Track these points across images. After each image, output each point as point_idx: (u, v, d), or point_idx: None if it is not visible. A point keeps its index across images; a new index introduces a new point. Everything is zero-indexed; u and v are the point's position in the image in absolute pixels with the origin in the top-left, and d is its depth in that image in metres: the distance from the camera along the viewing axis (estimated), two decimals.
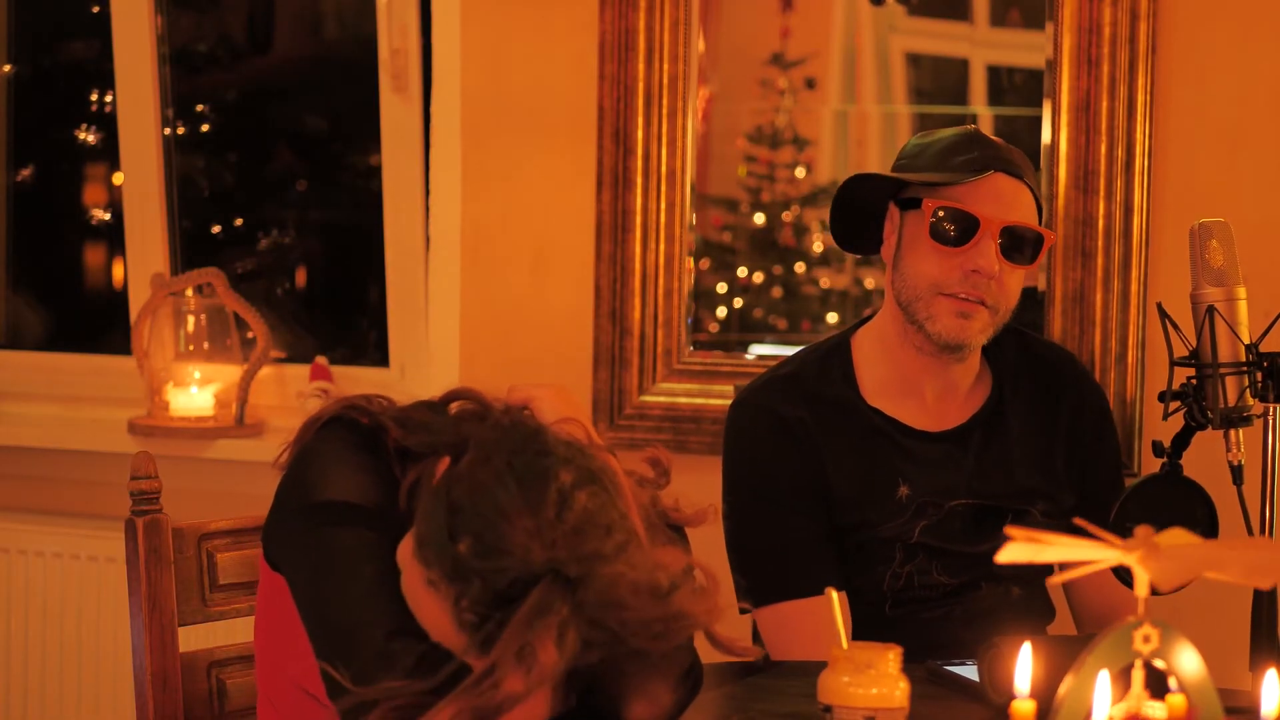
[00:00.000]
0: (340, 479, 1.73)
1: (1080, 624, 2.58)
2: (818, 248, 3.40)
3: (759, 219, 3.40)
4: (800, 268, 3.40)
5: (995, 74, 3.33)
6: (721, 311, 3.37)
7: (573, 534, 1.57)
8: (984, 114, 3.29)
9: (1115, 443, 2.59)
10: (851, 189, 2.44)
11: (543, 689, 1.55)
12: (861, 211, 2.46)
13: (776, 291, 3.40)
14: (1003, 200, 2.35)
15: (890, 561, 2.40)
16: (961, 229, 2.32)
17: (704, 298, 3.33)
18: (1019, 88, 3.27)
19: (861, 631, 2.32)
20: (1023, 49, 3.24)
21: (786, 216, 3.38)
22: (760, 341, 3.41)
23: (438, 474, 1.65)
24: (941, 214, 2.33)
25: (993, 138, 2.42)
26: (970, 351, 2.40)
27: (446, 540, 1.58)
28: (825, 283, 3.43)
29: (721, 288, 3.37)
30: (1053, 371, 2.53)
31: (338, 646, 1.65)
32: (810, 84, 3.38)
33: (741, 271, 3.38)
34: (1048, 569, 2.36)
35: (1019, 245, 2.34)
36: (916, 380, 2.43)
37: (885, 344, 2.44)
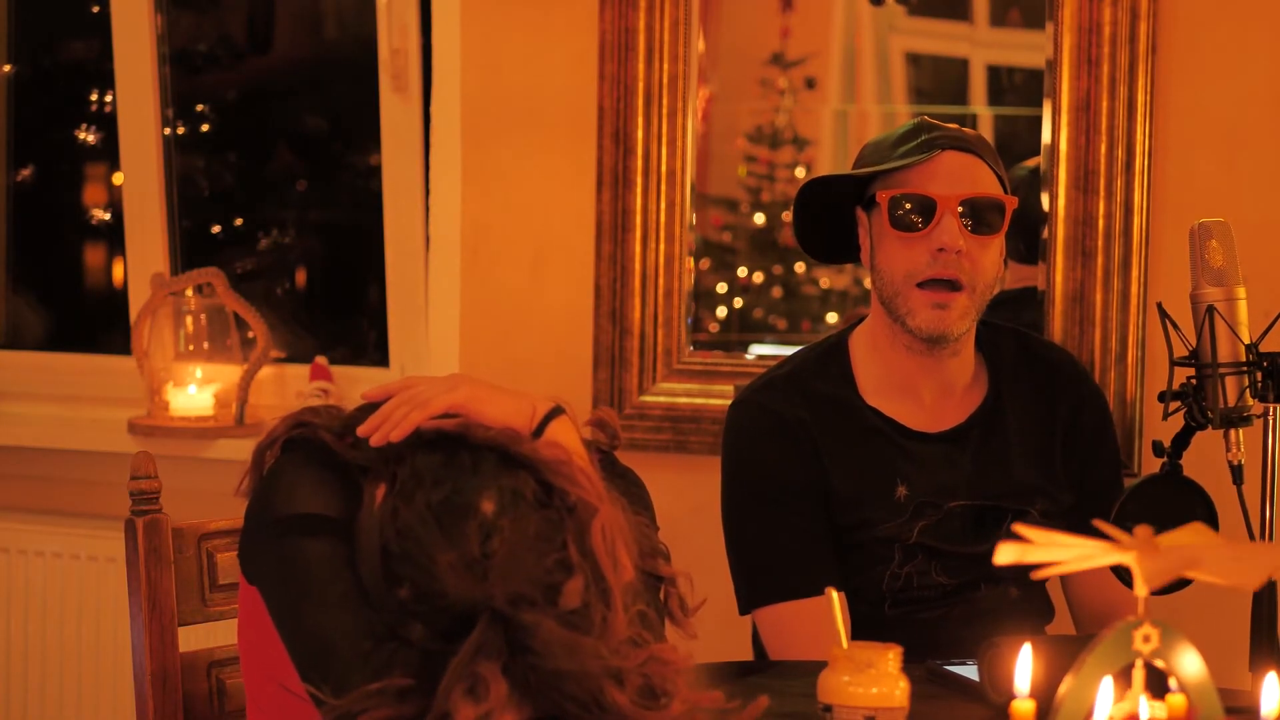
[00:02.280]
0: (304, 494, 1.74)
1: (1079, 623, 2.59)
2: None
3: (759, 219, 3.40)
4: (800, 268, 3.40)
5: (995, 74, 3.32)
6: (721, 311, 3.37)
7: (502, 565, 1.57)
8: (984, 114, 3.29)
9: (1114, 444, 2.59)
10: (816, 200, 2.44)
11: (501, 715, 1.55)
12: (838, 221, 2.47)
13: (776, 291, 3.40)
14: (957, 176, 2.33)
15: (889, 562, 2.40)
16: (920, 211, 2.32)
17: (704, 298, 3.33)
18: (1019, 88, 3.27)
19: (860, 631, 2.30)
20: (1023, 49, 3.23)
21: (786, 216, 3.38)
22: (760, 341, 3.41)
23: (378, 499, 1.65)
24: (897, 202, 2.33)
25: (943, 123, 2.41)
26: (955, 340, 2.39)
27: (386, 587, 1.60)
28: (825, 283, 3.43)
29: (721, 288, 3.37)
30: (1052, 370, 2.53)
31: (315, 659, 1.66)
32: (810, 84, 3.38)
33: (741, 271, 3.38)
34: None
35: (982, 216, 2.33)
36: (911, 380, 2.43)
37: (877, 346, 2.44)
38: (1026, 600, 2.49)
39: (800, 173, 3.37)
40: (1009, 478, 2.44)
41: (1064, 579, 2.56)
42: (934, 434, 2.44)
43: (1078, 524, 2.41)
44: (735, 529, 2.45)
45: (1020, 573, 2.30)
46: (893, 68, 3.36)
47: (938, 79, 3.42)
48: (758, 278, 3.39)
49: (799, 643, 2.37)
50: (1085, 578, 2.49)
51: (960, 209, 2.32)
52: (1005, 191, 2.39)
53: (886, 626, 2.38)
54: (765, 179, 3.39)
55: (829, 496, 2.40)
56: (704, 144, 3.34)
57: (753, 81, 3.40)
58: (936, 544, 2.40)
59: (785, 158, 3.37)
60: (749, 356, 3.32)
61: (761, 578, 2.41)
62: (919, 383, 2.43)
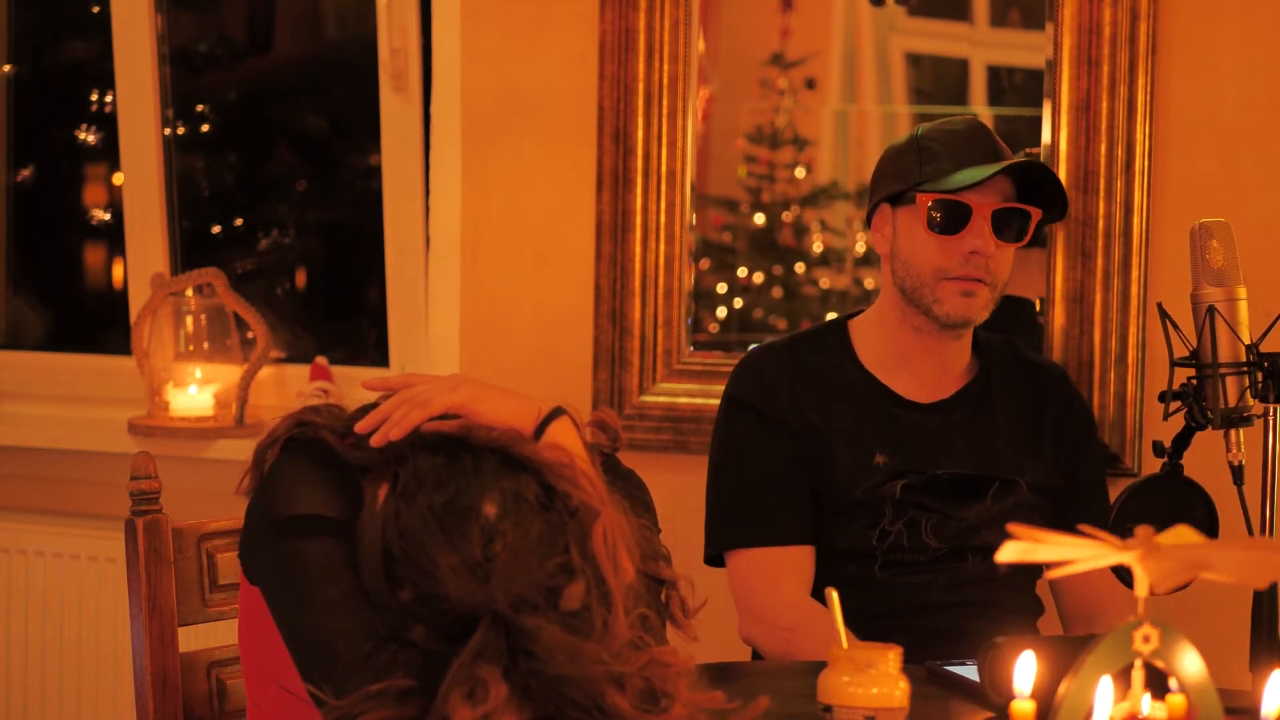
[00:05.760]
0: (305, 494, 1.74)
1: (1065, 619, 2.64)
2: (818, 248, 3.39)
3: (759, 219, 3.40)
4: (800, 268, 3.40)
5: (995, 74, 3.32)
6: (721, 311, 3.37)
7: (504, 568, 1.57)
8: (984, 114, 3.29)
9: (1101, 448, 2.74)
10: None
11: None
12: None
13: (776, 292, 3.40)
14: (992, 185, 2.53)
15: (880, 519, 2.52)
16: (957, 217, 2.51)
17: (704, 298, 3.33)
18: (1019, 88, 3.27)
19: (850, 593, 2.37)
20: (1023, 49, 3.23)
21: (786, 217, 3.38)
22: (760, 341, 3.41)
23: (379, 500, 1.65)
24: (937, 205, 2.52)
25: (999, 138, 2.59)
26: (971, 328, 2.59)
27: (387, 589, 1.60)
28: (825, 283, 3.43)
29: (721, 288, 3.37)
30: (1041, 372, 2.69)
31: (316, 660, 1.66)
32: (810, 84, 3.38)
33: (741, 271, 3.38)
34: None
35: (1009, 224, 2.53)
36: (912, 355, 2.60)
37: (884, 325, 2.61)
38: (1015, 578, 2.56)
39: (800, 173, 3.37)
40: (996, 450, 2.57)
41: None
42: (925, 404, 2.59)
43: (1064, 513, 2.56)
44: (715, 478, 2.62)
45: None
46: (893, 68, 3.36)
47: (938, 79, 3.42)
48: (758, 278, 3.39)
49: (761, 587, 2.53)
50: (1072, 575, 2.54)
51: (992, 217, 2.51)
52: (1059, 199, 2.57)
53: (875, 589, 2.52)
54: (765, 179, 3.38)
55: (810, 458, 2.54)
56: (704, 144, 3.34)
57: (753, 82, 3.40)
58: (923, 500, 2.52)
59: (785, 158, 3.37)
60: None
61: (735, 523, 2.58)
62: (919, 359, 2.60)
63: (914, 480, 2.53)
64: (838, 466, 2.53)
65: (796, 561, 2.52)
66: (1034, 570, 2.59)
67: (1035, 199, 2.55)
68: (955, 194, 2.49)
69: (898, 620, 2.49)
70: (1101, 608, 2.59)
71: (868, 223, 2.65)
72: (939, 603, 2.51)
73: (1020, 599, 2.58)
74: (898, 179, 2.56)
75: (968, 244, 2.50)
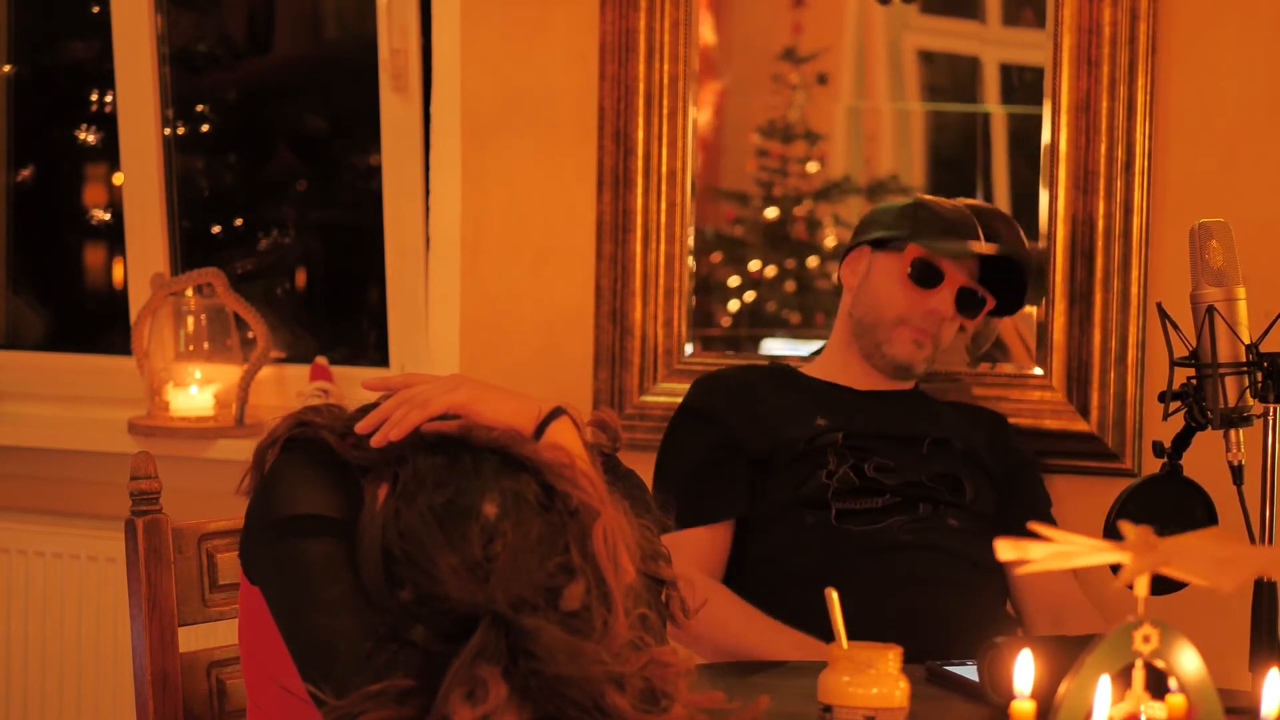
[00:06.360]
0: (305, 494, 1.74)
1: (1022, 615, 2.71)
2: (830, 242, 3.39)
3: (771, 213, 3.40)
4: (813, 262, 3.40)
5: (1007, 72, 3.32)
6: (734, 305, 3.37)
7: (504, 568, 1.57)
8: (996, 112, 3.29)
9: (1038, 476, 2.90)
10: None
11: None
12: None
13: (789, 285, 3.40)
14: (964, 265, 2.81)
15: (825, 463, 2.72)
16: (934, 277, 2.79)
17: (716, 291, 3.33)
18: (1030, 86, 3.27)
19: (810, 542, 2.67)
20: (1034, 47, 3.22)
21: (799, 211, 3.38)
22: (772, 336, 3.42)
23: (379, 500, 1.64)
24: (921, 263, 2.78)
25: (980, 224, 2.84)
26: (910, 377, 2.86)
27: (387, 589, 1.60)
28: (837, 277, 3.43)
29: (734, 281, 3.37)
30: (979, 410, 2.95)
31: (316, 660, 1.66)
32: (822, 80, 3.38)
33: (754, 265, 3.38)
34: (983, 510, 2.73)
35: (968, 302, 2.81)
36: (854, 373, 2.85)
37: (834, 352, 2.87)
38: (969, 538, 2.70)
39: (813, 167, 3.37)
40: (930, 425, 2.81)
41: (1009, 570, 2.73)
42: (865, 390, 2.84)
43: (1009, 519, 2.75)
44: (658, 462, 2.84)
45: (956, 501, 2.73)
46: (905, 65, 3.36)
47: (949, 76, 3.42)
48: (770, 272, 3.39)
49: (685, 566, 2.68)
50: (1033, 575, 2.65)
51: (959, 289, 2.79)
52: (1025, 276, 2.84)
53: (835, 537, 2.67)
54: (778, 173, 3.38)
55: (752, 431, 2.75)
56: (716, 137, 3.34)
57: (765, 76, 3.40)
58: (864, 442, 2.74)
59: (798, 152, 3.37)
60: (761, 352, 3.36)
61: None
62: (860, 379, 2.85)
63: (852, 430, 2.75)
64: (782, 428, 2.75)
65: (703, 543, 2.72)
66: (985, 531, 2.73)
67: (998, 286, 2.82)
68: (938, 258, 2.77)
69: (859, 565, 2.64)
70: (1061, 606, 2.70)
71: (842, 257, 2.88)
72: (895, 543, 2.66)
73: (981, 549, 2.66)
74: (891, 228, 2.82)
75: (932, 302, 2.78)
